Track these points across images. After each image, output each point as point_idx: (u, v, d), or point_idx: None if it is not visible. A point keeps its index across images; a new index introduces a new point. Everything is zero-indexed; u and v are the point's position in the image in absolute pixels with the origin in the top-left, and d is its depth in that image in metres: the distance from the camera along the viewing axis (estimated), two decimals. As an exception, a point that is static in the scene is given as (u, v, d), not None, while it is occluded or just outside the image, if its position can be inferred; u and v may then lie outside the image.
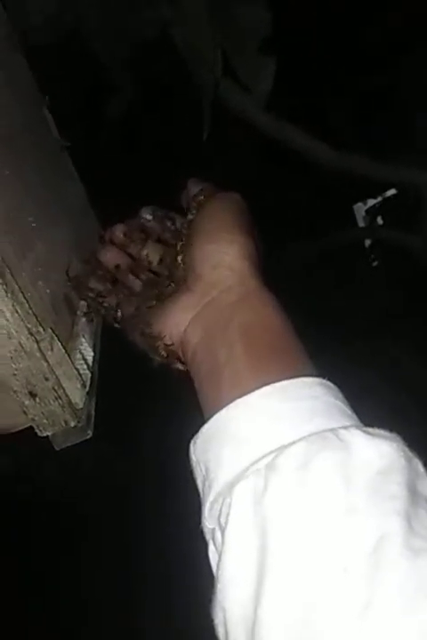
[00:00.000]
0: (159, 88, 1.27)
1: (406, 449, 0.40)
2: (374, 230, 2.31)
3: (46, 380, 0.48)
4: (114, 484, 1.63)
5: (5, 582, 1.49)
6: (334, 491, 0.37)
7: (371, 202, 2.49)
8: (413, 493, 0.37)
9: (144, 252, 0.62)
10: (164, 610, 1.50)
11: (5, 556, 1.48)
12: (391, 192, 2.32)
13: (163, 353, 0.54)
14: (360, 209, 2.58)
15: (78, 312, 0.62)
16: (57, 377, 0.49)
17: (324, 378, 0.46)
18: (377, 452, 0.39)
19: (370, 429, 0.41)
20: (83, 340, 0.59)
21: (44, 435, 0.52)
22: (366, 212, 2.52)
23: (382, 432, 0.41)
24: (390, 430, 0.41)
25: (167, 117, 1.39)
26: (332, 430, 0.40)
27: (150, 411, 1.56)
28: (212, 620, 0.40)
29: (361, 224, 2.49)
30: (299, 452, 0.39)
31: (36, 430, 0.52)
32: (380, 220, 2.44)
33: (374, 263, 2.41)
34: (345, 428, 0.41)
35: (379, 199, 2.41)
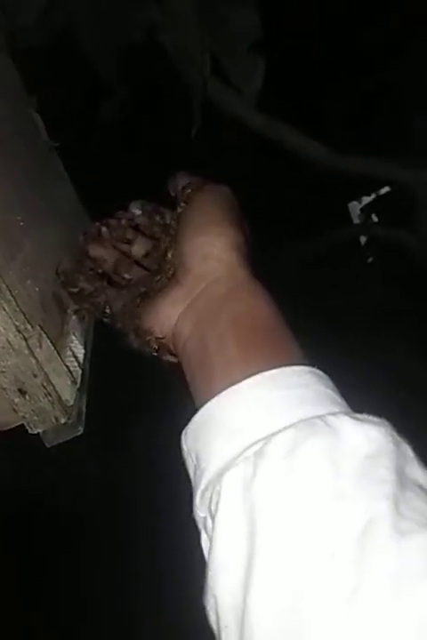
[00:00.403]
0: (152, 89, 1.27)
1: (395, 434, 0.40)
2: (369, 228, 2.32)
3: (35, 376, 0.49)
4: (106, 481, 1.64)
5: (2, 578, 1.51)
6: (321, 476, 0.38)
7: (366, 200, 2.49)
8: (401, 477, 0.37)
9: (133, 248, 0.63)
10: (156, 605, 1.51)
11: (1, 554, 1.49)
12: (386, 190, 2.32)
13: (154, 347, 0.54)
14: (355, 207, 2.59)
15: (69, 310, 0.62)
16: (46, 374, 0.50)
17: (314, 366, 0.46)
18: (365, 437, 0.39)
19: (359, 415, 0.41)
20: (73, 337, 0.60)
21: (35, 432, 0.53)
22: (361, 210, 2.53)
23: (370, 418, 0.41)
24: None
25: (161, 118, 1.39)
26: (320, 417, 0.40)
27: (143, 407, 1.56)
28: (204, 613, 0.40)
29: (356, 222, 2.49)
30: (287, 438, 0.39)
31: (27, 427, 0.52)
32: (375, 218, 2.45)
33: (369, 260, 2.42)
34: (333, 414, 0.41)
35: (373, 196, 2.41)
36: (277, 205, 1.96)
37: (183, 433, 0.46)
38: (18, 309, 0.49)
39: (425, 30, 1.60)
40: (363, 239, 2.46)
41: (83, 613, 1.58)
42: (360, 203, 2.53)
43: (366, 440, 0.39)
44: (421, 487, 0.38)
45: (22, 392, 0.49)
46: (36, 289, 0.55)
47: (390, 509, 0.35)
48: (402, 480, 0.37)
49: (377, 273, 2.24)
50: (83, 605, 1.58)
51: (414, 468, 0.39)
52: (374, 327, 1.87)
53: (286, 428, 0.40)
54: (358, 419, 0.41)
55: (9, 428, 0.53)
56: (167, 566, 1.36)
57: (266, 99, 1.22)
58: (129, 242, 0.63)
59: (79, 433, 0.53)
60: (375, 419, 0.41)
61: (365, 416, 0.41)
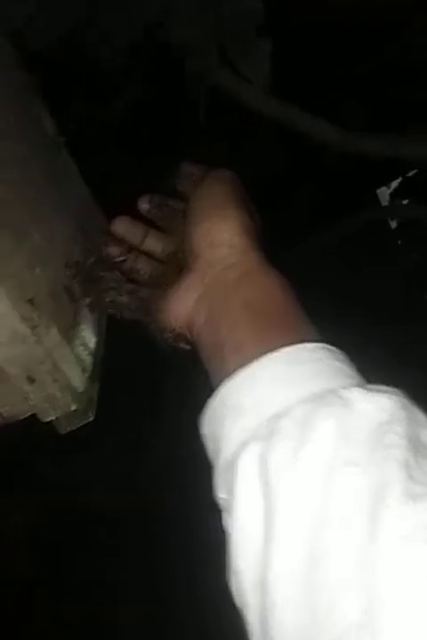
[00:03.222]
0: (161, 85, 1.27)
1: (407, 401, 0.40)
2: (397, 209, 2.28)
3: (42, 363, 0.50)
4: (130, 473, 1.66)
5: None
6: (333, 446, 0.38)
7: (395, 185, 2.46)
8: (414, 442, 0.37)
9: (145, 242, 0.64)
10: (190, 596, 1.52)
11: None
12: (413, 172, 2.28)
13: (171, 336, 0.54)
14: (384, 193, 2.55)
15: (81, 302, 0.63)
16: (54, 361, 0.51)
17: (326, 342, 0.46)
18: (376, 406, 0.39)
19: (371, 386, 0.42)
20: (84, 327, 0.60)
21: (47, 420, 0.54)
22: (391, 195, 2.49)
23: (382, 388, 0.41)
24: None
25: (172, 113, 1.39)
26: (332, 390, 0.41)
27: (164, 395, 1.57)
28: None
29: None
30: (300, 413, 0.40)
31: (39, 416, 0.53)
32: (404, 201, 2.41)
33: (399, 242, 2.38)
34: (345, 386, 0.41)
35: (400, 179, 2.37)
36: (303, 196, 1.94)
37: (201, 418, 0.47)
38: (23, 298, 0.49)
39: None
40: (393, 223, 2.43)
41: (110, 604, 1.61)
42: (389, 188, 2.49)
43: (377, 409, 0.39)
44: None
45: (31, 380, 0.50)
46: (45, 279, 0.56)
47: (401, 473, 0.35)
48: (416, 445, 0.37)
49: (407, 254, 2.19)
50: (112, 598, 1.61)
51: None
52: (402, 312, 1.83)
53: (298, 403, 0.40)
54: (369, 390, 0.41)
55: (22, 417, 0.54)
56: (199, 554, 1.36)
57: (280, 87, 1.21)
58: (142, 238, 0.64)
59: (90, 419, 0.54)
60: (387, 388, 0.41)
61: (376, 386, 0.42)
